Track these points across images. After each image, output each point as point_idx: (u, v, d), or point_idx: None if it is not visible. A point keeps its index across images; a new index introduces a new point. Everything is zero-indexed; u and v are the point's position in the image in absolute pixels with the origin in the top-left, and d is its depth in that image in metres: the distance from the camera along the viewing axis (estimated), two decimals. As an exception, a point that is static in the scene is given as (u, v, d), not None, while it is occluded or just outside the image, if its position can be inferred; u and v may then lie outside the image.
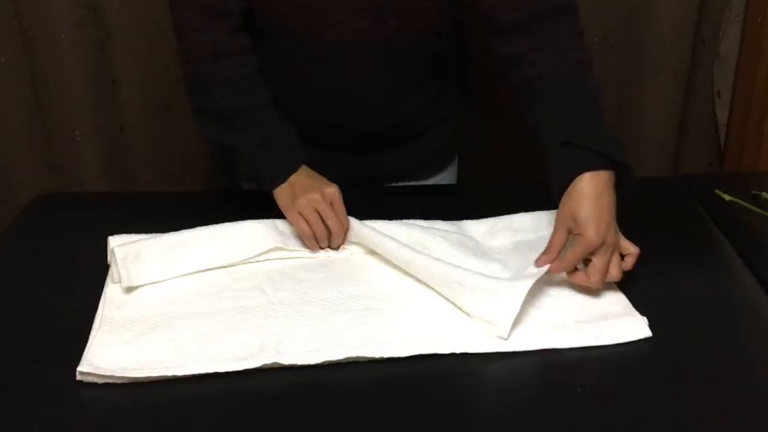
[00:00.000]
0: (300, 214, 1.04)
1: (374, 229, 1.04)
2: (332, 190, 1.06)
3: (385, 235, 1.03)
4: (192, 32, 1.09)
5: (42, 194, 1.29)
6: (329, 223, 1.05)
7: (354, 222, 1.07)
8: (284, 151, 1.10)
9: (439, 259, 0.98)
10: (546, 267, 0.96)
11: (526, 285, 0.91)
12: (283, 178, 1.07)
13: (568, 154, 0.95)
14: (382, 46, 1.13)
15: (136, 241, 1.02)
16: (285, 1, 1.09)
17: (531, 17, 1.02)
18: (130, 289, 0.98)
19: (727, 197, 1.19)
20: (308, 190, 1.05)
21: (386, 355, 0.86)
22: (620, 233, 0.96)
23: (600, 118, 0.99)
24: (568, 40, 1.03)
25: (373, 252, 1.05)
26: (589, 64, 1.04)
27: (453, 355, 0.87)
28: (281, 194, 1.07)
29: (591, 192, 0.93)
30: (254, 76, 1.11)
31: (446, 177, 1.37)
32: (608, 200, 0.93)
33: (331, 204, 1.05)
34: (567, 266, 0.95)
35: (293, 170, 1.08)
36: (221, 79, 1.09)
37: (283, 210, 1.07)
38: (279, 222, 1.08)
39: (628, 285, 0.98)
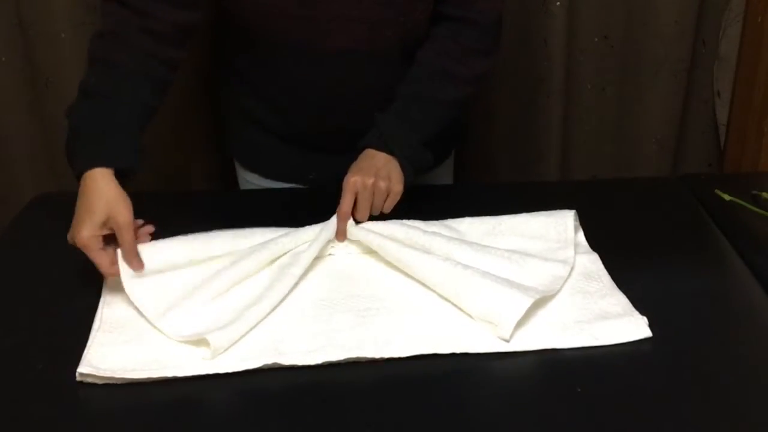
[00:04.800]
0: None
1: (373, 232, 1.04)
2: (85, 234, 0.94)
3: (385, 237, 1.03)
4: (107, 15, 1.04)
5: (42, 194, 1.29)
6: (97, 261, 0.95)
7: (350, 226, 1.06)
8: (113, 143, 1.01)
9: (440, 260, 0.98)
10: (554, 284, 0.97)
11: (534, 295, 0.91)
12: (87, 166, 0.98)
13: (372, 133, 1.11)
14: (376, 54, 1.14)
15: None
16: (278, 12, 1.08)
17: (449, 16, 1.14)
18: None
19: (727, 197, 1.19)
20: (75, 221, 0.96)
21: (386, 355, 0.87)
22: (395, 182, 1.07)
23: (418, 119, 1.13)
24: (456, 48, 1.14)
25: (373, 252, 1.05)
26: (461, 75, 1.14)
27: (453, 355, 0.87)
28: (79, 195, 0.98)
29: (365, 156, 1.10)
30: (140, 80, 1.04)
31: (443, 173, 1.37)
32: (376, 166, 1.07)
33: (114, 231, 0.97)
34: (350, 215, 1.05)
35: (104, 164, 0.98)
36: (104, 59, 1.03)
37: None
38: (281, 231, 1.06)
39: (628, 285, 0.98)
